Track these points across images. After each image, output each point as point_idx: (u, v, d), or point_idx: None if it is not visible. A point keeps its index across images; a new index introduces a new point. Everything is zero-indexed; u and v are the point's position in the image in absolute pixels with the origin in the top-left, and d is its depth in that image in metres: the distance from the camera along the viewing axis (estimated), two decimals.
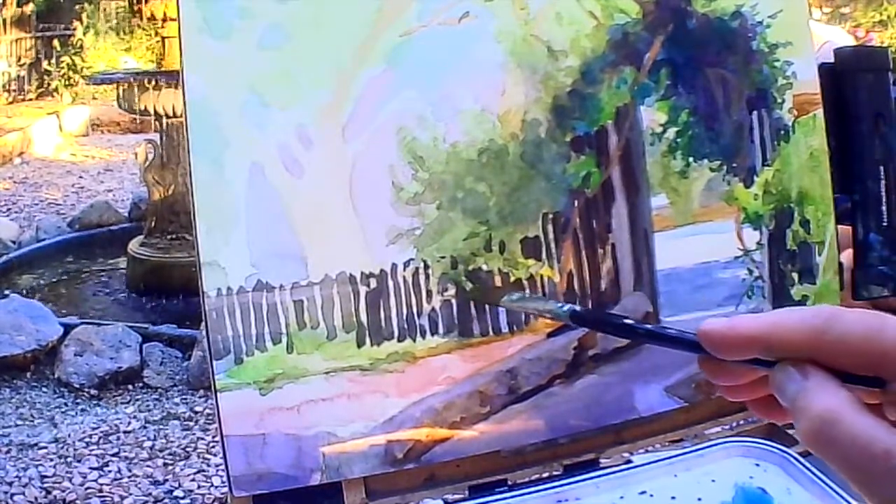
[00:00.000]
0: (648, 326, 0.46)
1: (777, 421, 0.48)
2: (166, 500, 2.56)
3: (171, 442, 2.86)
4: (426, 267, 0.82)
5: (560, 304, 0.54)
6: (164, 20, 4.23)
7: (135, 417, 3.03)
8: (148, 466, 2.72)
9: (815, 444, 0.40)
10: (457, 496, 0.87)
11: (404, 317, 0.82)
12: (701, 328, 0.43)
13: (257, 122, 0.78)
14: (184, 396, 3.20)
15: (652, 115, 0.89)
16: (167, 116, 4.11)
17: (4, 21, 9.46)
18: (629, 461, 0.91)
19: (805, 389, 0.40)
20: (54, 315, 3.61)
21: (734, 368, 0.44)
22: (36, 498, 2.54)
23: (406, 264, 0.82)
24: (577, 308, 0.60)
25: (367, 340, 0.81)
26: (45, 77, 9.80)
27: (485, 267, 0.84)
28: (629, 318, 0.49)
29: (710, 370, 0.45)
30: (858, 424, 0.39)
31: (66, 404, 3.15)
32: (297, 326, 0.79)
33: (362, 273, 0.80)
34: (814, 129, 0.94)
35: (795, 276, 0.94)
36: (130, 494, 2.58)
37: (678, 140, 0.90)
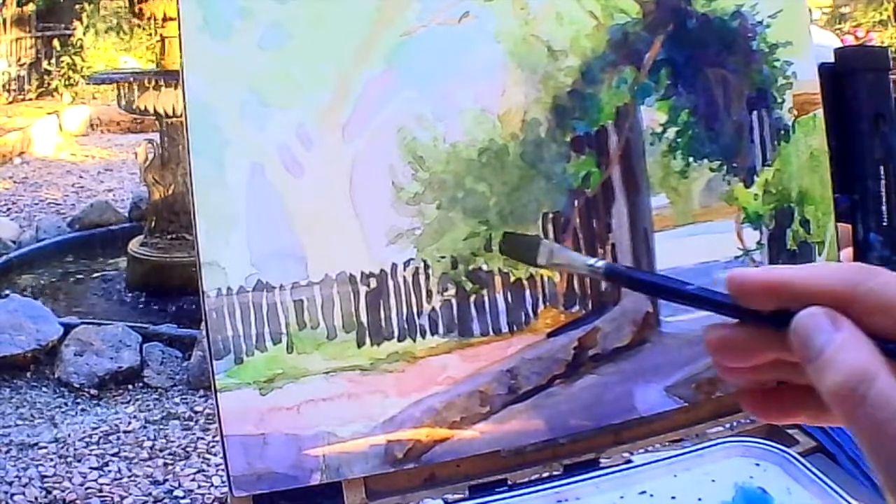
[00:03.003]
0: (688, 288, 0.44)
1: (773, 420, 0.45)
2: (166, 500, 2.56)
3: (171, 442, 2.86)
4: (426, 267, 0.82)
5: (595, 260, 0.52)
6: (164, 20, 4.22)
7: (135, 417, 3.03)
8: (148, 466, 2.72)
9: (843, 402, 0.36)
10: (457, 496, 0.87)
11: (404, 317, 0.82)
12: (730, 273, 0.41)
13: (257, 122, 0.78)
14: (184, 396, 3.20)
15: (652, 115, 0.89)
16: (167, 116, 4.11)
17: (4, 21, 9.46)
18: (629, 461, 0.91)
19: (836, 341, 0.37)
20: (54, 315, 3.61)
21: (745, 344, 0.41)
22: (36, 498, 2.54)
23: (406, 264, 0.82)
24: (614, 264, 0.57)
25: (367, 340, 0.81)
26: (45, 77, 9.81)
27: (485, 267, 0.84)
28: (663, 276, 0.46)
29: (719, 345, 0.42)
30: (894, 387, 0.35)
31: (66, 404, 3.15)
32: (297, 326, 0.79)
33: (362, 273, 0.80)
34: (814, 129, 0.94)
35: None
36: (130, 494, 2.58)
37: (678, 140, 0.90)
